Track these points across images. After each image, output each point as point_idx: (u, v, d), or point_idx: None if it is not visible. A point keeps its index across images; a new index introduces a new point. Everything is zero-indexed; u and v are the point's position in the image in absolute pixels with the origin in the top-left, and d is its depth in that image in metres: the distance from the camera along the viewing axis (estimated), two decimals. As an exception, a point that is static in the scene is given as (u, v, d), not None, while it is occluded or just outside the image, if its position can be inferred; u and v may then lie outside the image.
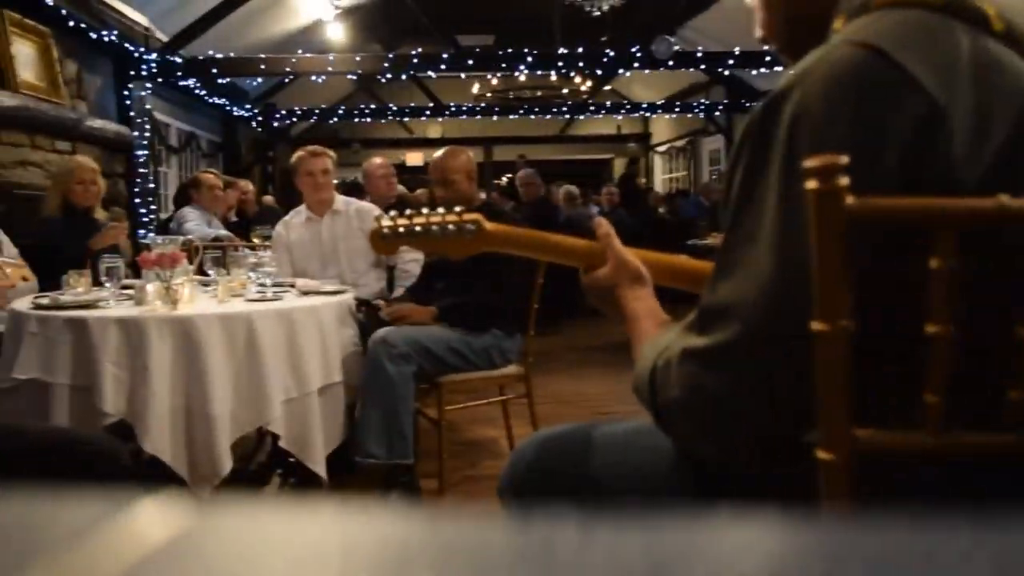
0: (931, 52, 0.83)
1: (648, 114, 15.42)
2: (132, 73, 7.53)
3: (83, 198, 4.12)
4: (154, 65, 7.61)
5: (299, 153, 3.99)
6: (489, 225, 1.38)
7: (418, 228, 1.39)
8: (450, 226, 1.37)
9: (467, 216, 1.38)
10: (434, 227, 1.38)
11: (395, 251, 1.37)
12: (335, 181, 4.16)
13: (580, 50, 8.77)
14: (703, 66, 9.44)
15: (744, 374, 0.87)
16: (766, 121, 0.87)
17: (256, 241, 4.21)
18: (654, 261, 1.29)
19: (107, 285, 2.91)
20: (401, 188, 6.16)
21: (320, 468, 2.85)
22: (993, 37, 0.86)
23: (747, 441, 0.91)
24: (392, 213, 1.42)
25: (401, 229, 1.39)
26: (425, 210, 1.41)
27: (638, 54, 8.59)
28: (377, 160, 5.25)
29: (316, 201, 3.97)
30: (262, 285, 3.06)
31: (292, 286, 3.40)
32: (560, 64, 9.00)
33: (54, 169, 4.84)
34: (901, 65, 0.81)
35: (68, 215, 4.07)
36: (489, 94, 12.43)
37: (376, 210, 4.05)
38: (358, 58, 8.73)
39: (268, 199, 8.88)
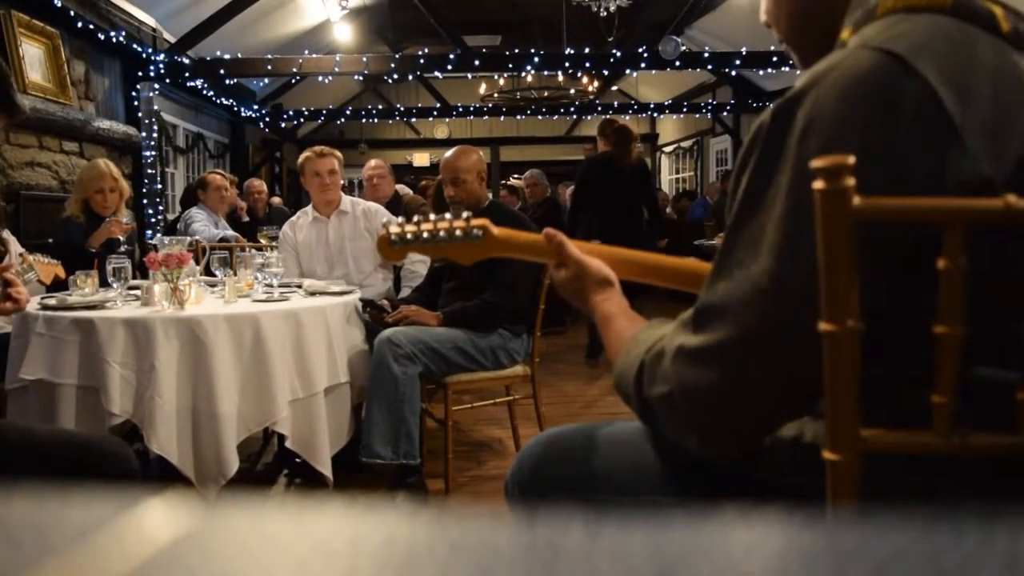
0: (949, 60, 0.82)
1: (655, 114, 15.41)
2: (140, 74, 7.55)
3: (101, 207, 4.15)
4: (162, 66, 7.63)
5: (306, 154, 4.00)
6: (496, 230, 1.38)
7: (425, 235, 1.39)
8: (457, 232, 1.37)
9: (474, 222, 1.38)
10: (441, 233, 1.38)
11: (403, 258, 1.38)
12: (342, 182, 4.17)
13: (587, 50, 8.77)
14: (710, 66, 9.41)
15: (737, 373, 0.87)
16: (778, 124, 0.86)
17: (263, 242, 4.22)
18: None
19: (114, 286, 2.92)
20: (403, 188, 6.16)
21: (326, 468, 2.85)
22: (1001, 39, 0.85)
23: (734, 436, 0.91)
24: (400, 220, 1.42)
25: (409, 236, 1.39)
26: (432, 216, 1.41)
27: (645, 54, 8.58)
28: (371, 162, 5.27)
29: (322, 202, 3.97)
30: (269, 286, 3.07)
31: (299, 287, 3.40)
32: (567, 64, 8.99)
33: (80, 170, 4.86)
34: (919, 73, 0.80)
35: (88, 219, 4.10)
36: (496, 94, 12.41)
37: (382, 210, 4.06)
38: (365, 59, 8.73)
39: (276, 200, 8.90)
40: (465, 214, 1.40)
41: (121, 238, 4.01)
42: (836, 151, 0.77)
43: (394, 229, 1.40)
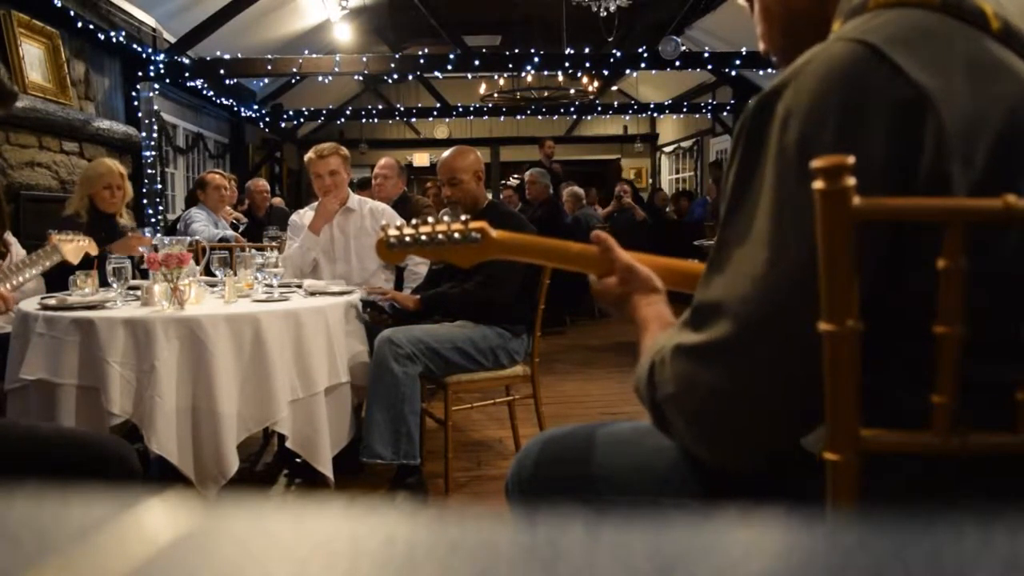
0: (923, 49, 0.83)
1: (655, 114, 15.41)
2: (140, 74, 7.55)
3: (108, 204, 4.12)
4: (162, 66, 7.63)
5: (308, 154, 3.98)
6: (495, 233, 1.39)
7: (424, 237, 1.39)
8: (456, 234, 1.38)
9: (473, 224, 1.38)
10: (440, 236, 1.38)
11: (402, 260, 1.40)
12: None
13: (587, 50, 8.76)
14: (710, 66, 9.40)
15: (738, 370, 0.87)
16: (759, 119, 0.87)
17: (265, 242, 4.23)
18: (663, 266, 1.29)
19: (114, 286, 2.92)
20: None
21: (327, 468, 2.85)
22: (990, 36, 0.86)
23: (740, 440, 0.90)
24: (399, 222, 1.42)
25: (407, 238, 1.40)
26: (431, 219, 1.42)
27: (645, 54, 8.57)
28: (381, 160, 5.22)
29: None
30: (269, 286, 3.07)
31: (299, 286, 3.41)
32: (567, 64, 8.99)
33: (82, 169, 4.85)
34: (891, 59, 0.81)
35: (92, 217, 4.08)
36: (496, 95, 12.40)
37: (389, 211, 4.05)
38: (365, 59, 8.73)
39: (276, 200, 8.89)
40: (464, 217, 1.40)
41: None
42: (814, 140, 0.78)
43: (392, 232, 1.41)
